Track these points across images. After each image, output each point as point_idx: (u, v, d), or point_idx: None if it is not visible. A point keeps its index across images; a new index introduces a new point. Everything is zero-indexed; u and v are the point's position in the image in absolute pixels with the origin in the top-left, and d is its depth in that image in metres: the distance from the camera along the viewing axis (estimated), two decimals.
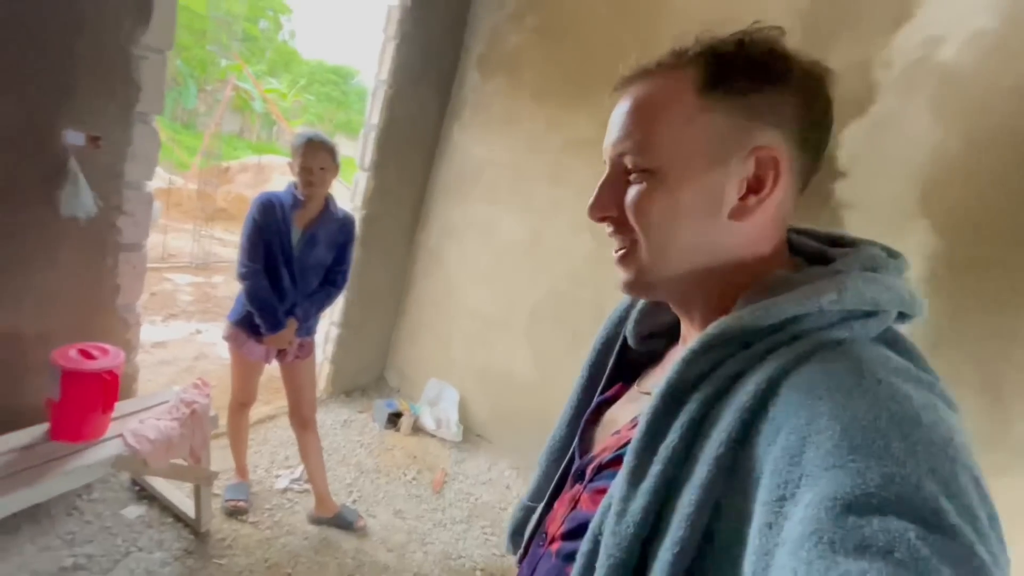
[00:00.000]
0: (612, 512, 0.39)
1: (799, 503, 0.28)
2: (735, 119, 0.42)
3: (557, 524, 0.51)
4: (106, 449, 1.52)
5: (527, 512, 0.63)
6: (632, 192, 0.45)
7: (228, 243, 6.52)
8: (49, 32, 1.42)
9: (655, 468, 0.37)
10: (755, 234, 0.44)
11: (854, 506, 0.26)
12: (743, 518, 0.32)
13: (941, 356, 1.99)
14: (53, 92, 1.47)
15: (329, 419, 2.76)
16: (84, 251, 1.66)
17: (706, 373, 0.39)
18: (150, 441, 1.58)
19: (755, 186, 0.42)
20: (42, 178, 1.50)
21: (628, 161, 0.45)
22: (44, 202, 1.51)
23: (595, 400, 0.58)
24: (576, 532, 0.47)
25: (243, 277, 1.70)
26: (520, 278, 2.79)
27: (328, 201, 1.83)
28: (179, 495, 1.90)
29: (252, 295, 1.71)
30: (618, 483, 0.40)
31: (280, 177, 10.00)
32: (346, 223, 1.88)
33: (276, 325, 1.74)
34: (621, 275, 0.48)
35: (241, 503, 1.96)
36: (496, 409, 2.92)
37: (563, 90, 2.59)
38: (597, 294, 2.55)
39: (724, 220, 0.43)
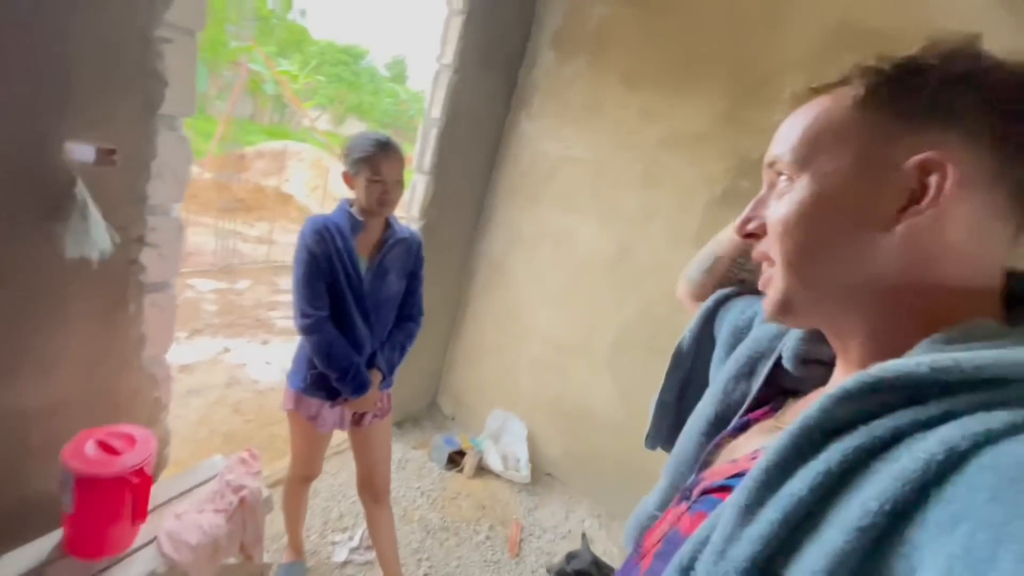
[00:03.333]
0: (710, 550, 0.34)
1: None
2: (899, 124, 0.37)
3: (654, 540, 0.48)
4: (137, 565, 1.16)
5: (651, 520, 0.58)
6: (775, 202, 0.42)
7: (250, 238, 6.17)
8: (43, 10, 1.02)
9: (772, 515, 0.31)
10: (931, 257, 0.36)
11: None
12: None
13: None
14: (50, 92, 1.07)
15: None
16: (98, 298, 1.28)
17: (858, 421, 0.32)
18: (191, 548, 1.21)
19: (917, 196, 0.36)
20: (40, 208, 1.11)
21: (778, 168, 0.42)
22: (43, 239, 1.13)
23: (736, 420, 0.52)
24: (669, 553, 0.41)
25: (308, 330, 1.31)
26: (602, 299, 2.37)
27: (390, 219, 1.44)
28: None
29: (324, 352, 1.32)
30: (723, 518, 0.35)
31: (297, 164, 9.61)
32: (413, 243, 1.49)
33: (362, 385, 1.37)
34: (767, 298, 0.43)
35: None
36: (571, 447, 2.54)
37: (663, 74, 2.14)
38: None
39: (880, 231, 0.37)
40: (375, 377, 1.42)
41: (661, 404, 0.73)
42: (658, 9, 2.12)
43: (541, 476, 2.59)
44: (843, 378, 0.36)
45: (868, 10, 1.75)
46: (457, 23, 2.02)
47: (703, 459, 0.51)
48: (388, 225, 1.44)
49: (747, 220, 0.45)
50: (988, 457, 0.27)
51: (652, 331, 2.26)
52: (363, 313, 1.37)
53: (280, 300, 4.29)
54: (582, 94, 2.33)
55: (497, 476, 2.50)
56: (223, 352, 3.19)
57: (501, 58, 2.31)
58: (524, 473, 2.49)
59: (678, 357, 0.72)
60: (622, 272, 2.32)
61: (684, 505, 0.47)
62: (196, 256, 4.73)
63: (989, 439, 0.27)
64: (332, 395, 1.40)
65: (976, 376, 0.30)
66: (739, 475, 0.40)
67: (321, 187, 8.96)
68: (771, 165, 0.43)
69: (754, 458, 0.41)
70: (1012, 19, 1.60)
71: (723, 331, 0.65)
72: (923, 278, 0.36)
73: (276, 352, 3.36)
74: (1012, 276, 0.38)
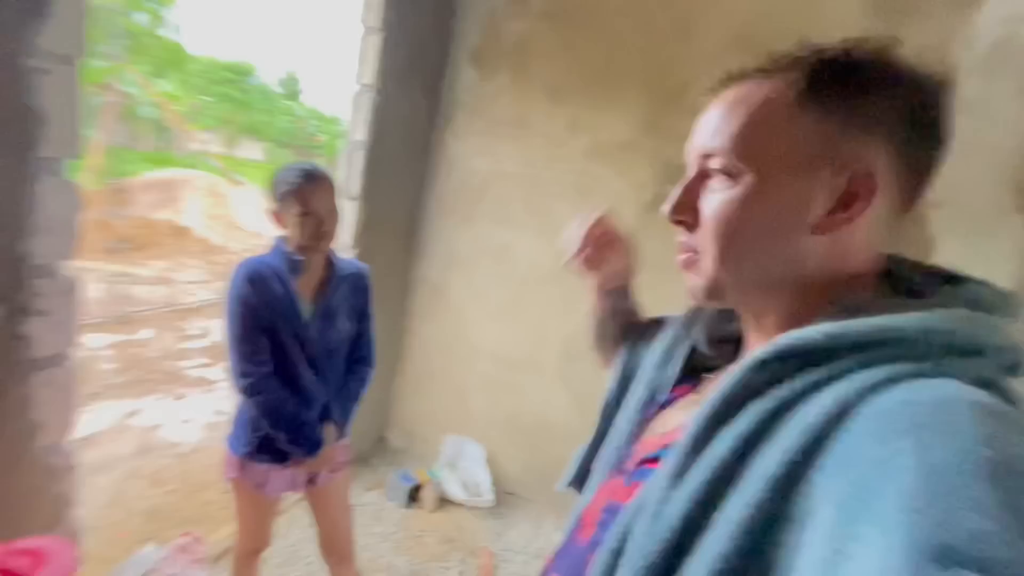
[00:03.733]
0: (646, 512, 0.38)
1: (868, 545, 0.26)
2: (833, 128, 0.39)
3: (595, 513, 0.50)
4: None
5: (584, 462, 0.62)
6: (713, 195, 0.43)
7: (145, 280, 5.52)
8: None
9: (699, 476, 0.35)
10: (840, 252, 0.40)
11: (934, 560, 0.23)
12: (794, 547, 0.30)
13: None
14: None
15: None
16: None
17: (769, 385, 0.36)
18: None
19: (846, 202, 0.39)
20: None
21: (714, 163, 0.42)
22: None
23: (661, 397, 0.55)
24: (608, 523, 0.44)
25: (250, 391, 1.16)
26: (548, 310, 2.37)
27: (332, 255, 1.33)
28: None
29: (271, 413, 1.18)
30: (655, 483, 0.38)
31: (191, 193, 8.78)
32: (360, 279, 1.39)
33: (316, 444, 1.23)
34: (691, 281, 0.45)
35: None
36: (531, 463, 2.51)
37: (585, 86, 2.19)
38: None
39: (807, 233, 0.40)
40: (330, 432, 1.29)
41: (589, 450, 0.68)
42: (574, 23, 2.17)
43: (504, 496, 2.53)
44: (754, 349, 0.40)
45: (760, 21, 1.91)
46: (375, 42, 1.93)
47: (635, 435, 0.54)
48: (330, 262, 1.32)
49: (679, 207, 0.45)
50: (871, 406, 0.30)
51: None
52: (311, 363, 1.24)
53: (191, 347, 3.86)
54: (508, 109, 2.32)
55: (460, 505, 2.41)
56: (129, 416, 2.79)
57: (422, 77, 2.24)
58: (488, 497, 2.42)
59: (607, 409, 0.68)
60: (564, 282, 2.34)
61: (620, 478, 0.50)
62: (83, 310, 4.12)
63: (871, 391, 0.31)
64: (282, 457, 1.25)
65: (861, 340, 0.34)
66: (668, 445, 0.42)
67: (222, 216, 8.24)
68: (705, 156, 0.43)
69: (681, 429, 0.43)
70: (878, 28, 1.82)
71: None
72: (835, 269, 0.41)
73: (194, 406, 3.00)
74: (891, 259, 0.43)
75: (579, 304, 2.31)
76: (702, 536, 0.34)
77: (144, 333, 3.92)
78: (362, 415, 2.49)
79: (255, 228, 8.47)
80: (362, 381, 1.39)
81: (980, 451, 0.26)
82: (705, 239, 0.43)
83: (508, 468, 2.55)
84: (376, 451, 2.70)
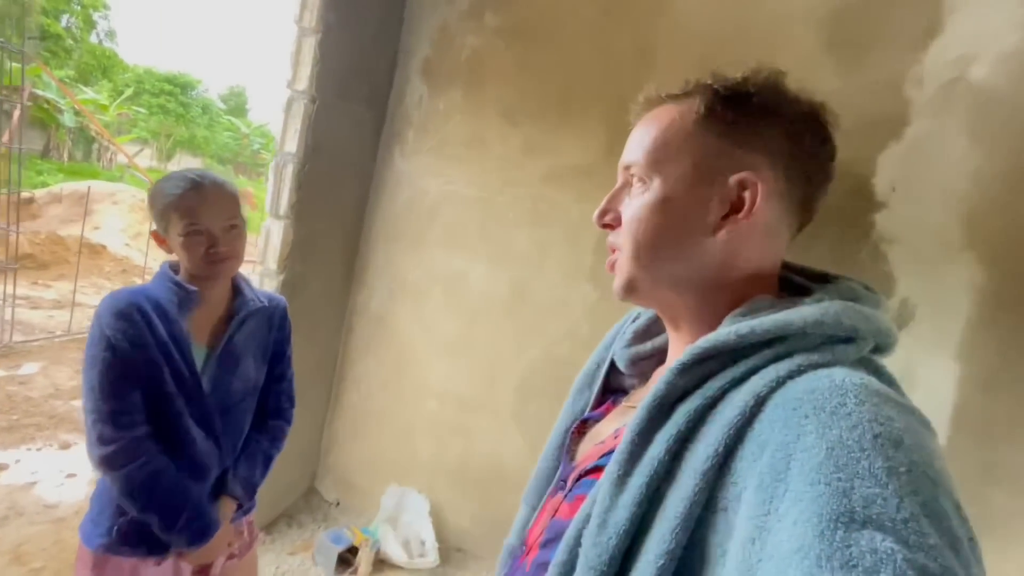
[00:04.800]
0: (593, 523, 0.39)
1: (784, 518, 0.29)
2: (725, 144, 0.46)
3: (536, 534, 0.52)
4: None
5: (510, 552, 0.59)
6: (631, 200, 0.49)
7: (45, 303, 4.87)
8: None
9: (639, 479, 0.38)
10: (741, 255, 0.46)
11: (839, 524, 0.27)
12: (726, 532, 0.33)
13: (995, 399, 1.85)
14: None
15: None
16: None
17: (693, 387, 0.40)
18: None
19: (736, 207, 0.45)
20: None
21: (632, 172, 0.49)
22: None
23: (583, 416, 0.59)
24: (554, 541, 0.46)
25: (111, 462, 0.88)
26: (502, 344, 2.18)
27: (239, 283, 1.08)
28: None
29: (141, 489, 0.90)
30: (600, 492, 0.40)
31: (110, 208, 8.03)
32: (275, 312, 1.14)
33: (204, 530, 0.95)
34: (615, 280, 0.50)
35: None
36: (481, 514, 2.26)
37: (542, 108, 2.07)
38: None
39: (707, 235, 0.46)
40: (226, 508, 1.02)
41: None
42: (532, 43, 2.06)
43: (451, 554, 2.26)
44: (677, 355, 0.43)
45: (721, 48, 1.87)
46: (310, 44, 1.72)
47: (568, 451, 0.56)
48: (237, 292, 1.07)
49: (604, 212, 0.51)
50: (779, 396, 0.36)
51: (557, 373, 2.12)
52: (204, 423, 0.98)
53: None
54: (461, 128, 2.16)
55: (400, 568, 2.12)
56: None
57: (366, 87, 2.05)
58: (431, 557, 2.15)
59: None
60: (520, 314, 2.16)
61: (560, 495, 0.51)
62: None
63: (778, 383, 0.36)
64: (158, 548, 0.96)
65: (766, 336, 0.39)
66: (608, 453, 0.44)
67: (145, 234, 7.55)
68: (627, 168, 0.50)
69: (617, 436, 0.46)
70: (831, 63, 1.82)
71: None
72: (733, 271, 0.46)
73: (83, 457, 2.54)
74: (785, 265, 0.50)
75: (536, 339, 2.14)
76: (646, 537, 0.36)
77: (29, 367, 3.36)
78: (288, 466, 2.18)
79: None
80: (275, 440, 1.14)
81: (867, 427, 0.31)
82: (622, 237, 0.49)
83: (456, 521, 2.29)
84: (303, 506, 2.37)
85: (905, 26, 1.78)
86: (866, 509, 0.27)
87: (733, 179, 0.44)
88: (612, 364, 0.59)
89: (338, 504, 2.42)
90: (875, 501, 0.27)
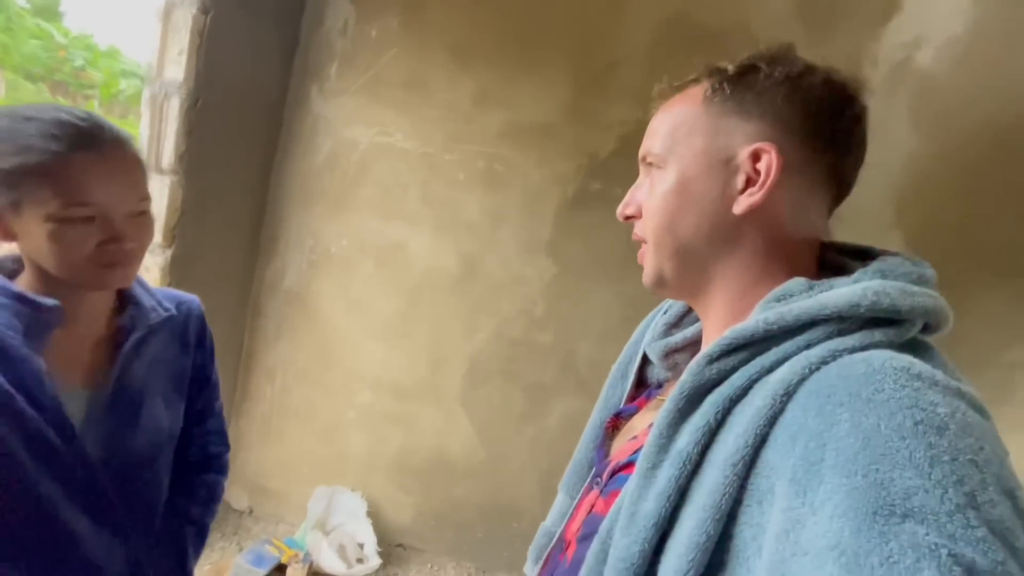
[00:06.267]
0: (623, 516, 0.39)
1: (818, 511, 0.28)
2: (736, 120, 0.45)
3: (574, 529, 0.51)
4: None
5: (549, 537, 0.60)
6: (651, 188, 0.48)
7: None
8: None
9: (668, 471, 0.37)
10: (766, 233, 0.44)
11: (877, 518, 0.26)
12: (760, 526, 0.32)
13: None
14: None
15: None
16: None
17: (722, 378, 0.39)
18: None
19: (753, 180, 0.44)
20: None
21: (648, 161, 0.49)
22: None
23: (617, 410, 0.59)
24: (591, 536, 0.45)
25: None
26: (448, 324, 1.94)
27: (132, 291, 0.72)
28: None
29: None
30: (630, 485, 0.40)
31: None
32: (190, 320, 0.80)
33: None
34: (644, 272, 0.50)
35: None
36: (424, 508, 2.08)
37: (499, 49, 1.77)
38: (564, 337, 1.91)
39: (727, 214, 0.44)
40: None
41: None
42: None
43: (392, 551, 2.06)
44: (707, 346, 0.42)
45: (695, 6, 1.72)
46: None
47: (603, 446, 0.56)
48: (127, 300, 0.71)
49: (626, 204, 0.52)
50: (810, 384, 0.34)
51: (509, 355, 1.95)
52: (92, 507, 0.63)
53: None
54: (398, 66, 1.77)
55: None
56: None
57: (274, 1, 1.56)
58: (373, 561, 1.93)
59: None
60: (469, 290, 1.92)
61: (596, 490, 0.51)
62: None
63: (811, 371, 0.35)
64: None
65: (797, 323, 0.38)
66: (641, 449, 0.43)
67: None
68: (643, 159, 0.50)
69: (650, 429, 0.44)
70: (801, 31, 1.76)
71: None
72: (760, 252, 0.45)
73: None
74: (826, 245, 0.49)
75: (487, 319, 1.93)
76: (677, 531, 0.36)
77: None
78: None
79: None
80: (208, 503, 0.83)
81: (907, 413, 0.29)
82: (645, 228, 0.49)
83: (396, 518, 2.08)
84: (214, 523, 1.97)
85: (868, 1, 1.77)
86: (906, 501, 0.26)
87: (745, 151, 0.43)
88: (646, 358, 0.59)
89: (251, 512, 2.07)
90: (916, 492, 0.26)
